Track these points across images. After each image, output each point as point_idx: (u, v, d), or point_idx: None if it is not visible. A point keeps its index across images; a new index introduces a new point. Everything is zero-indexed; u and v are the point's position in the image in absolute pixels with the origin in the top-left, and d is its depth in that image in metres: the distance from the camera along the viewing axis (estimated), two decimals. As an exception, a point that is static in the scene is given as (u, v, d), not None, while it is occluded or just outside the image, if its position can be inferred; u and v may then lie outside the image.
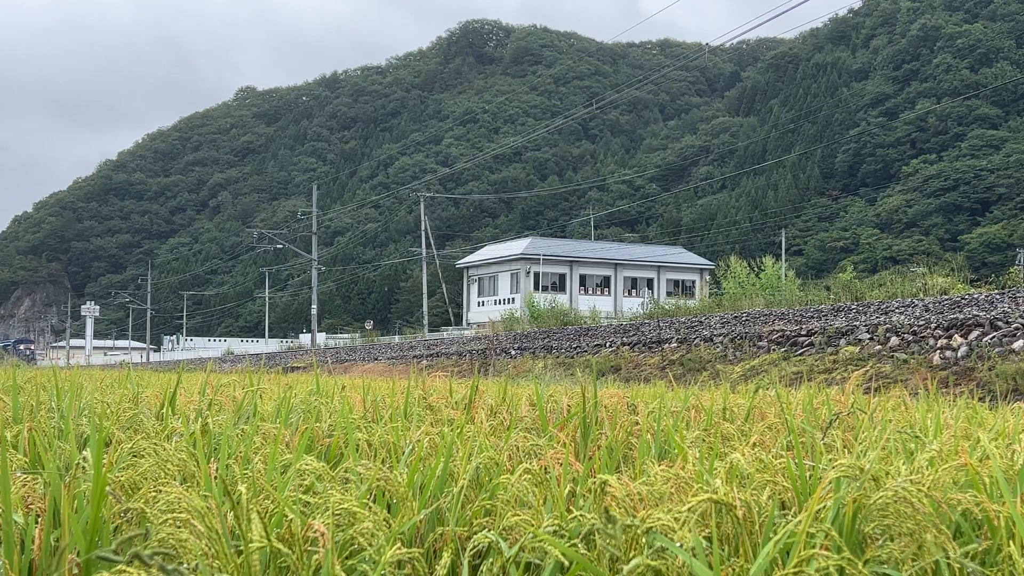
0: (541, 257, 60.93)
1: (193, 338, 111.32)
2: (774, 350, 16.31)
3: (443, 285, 64.65)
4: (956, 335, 12.82)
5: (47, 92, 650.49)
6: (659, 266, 65.67)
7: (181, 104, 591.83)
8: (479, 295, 65.92)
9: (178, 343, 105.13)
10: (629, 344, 20.96)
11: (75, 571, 1.60)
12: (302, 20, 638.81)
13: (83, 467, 2.05)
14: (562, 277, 62.94)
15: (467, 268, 68.19)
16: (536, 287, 59.47)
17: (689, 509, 1.63)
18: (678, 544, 1.55)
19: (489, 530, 1.77)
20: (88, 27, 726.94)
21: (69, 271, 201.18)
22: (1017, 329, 12.03)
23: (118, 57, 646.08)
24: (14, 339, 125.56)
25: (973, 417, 3.64)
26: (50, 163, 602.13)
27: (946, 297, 16.36)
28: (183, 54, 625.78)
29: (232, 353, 62.81)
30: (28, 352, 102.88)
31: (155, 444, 2.33)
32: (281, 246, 64.49)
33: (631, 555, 1.63)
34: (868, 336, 14.52)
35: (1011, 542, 1.60)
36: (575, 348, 22.73)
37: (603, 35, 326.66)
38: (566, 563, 1.60)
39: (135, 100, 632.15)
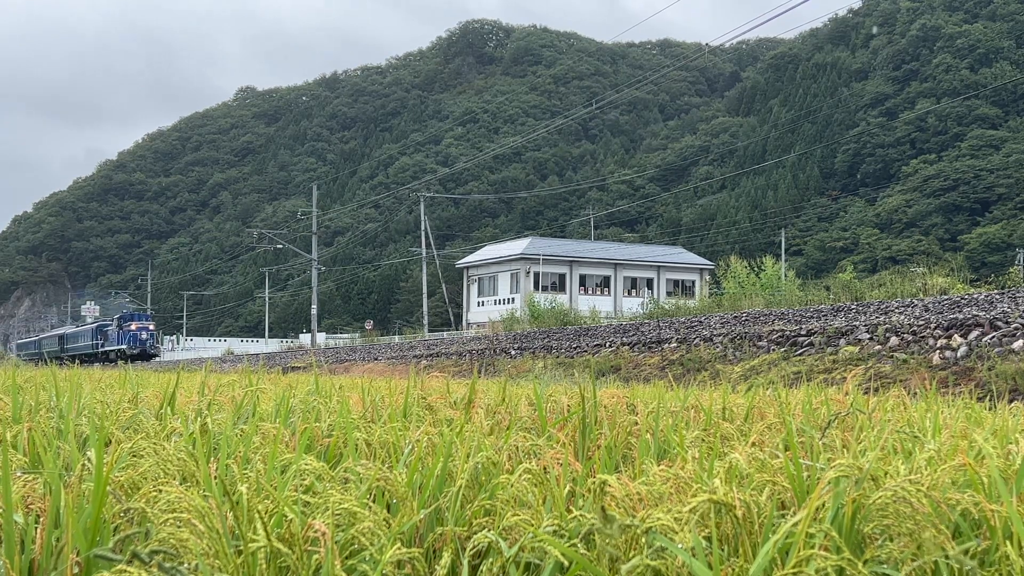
0: (541, 257, 60.93)
1: (193, 338, 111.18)
2: (774, 350, 16.31)
3: (443, 285, 64.68)
4: (956, 335, 12.82)
5: (26, 89, 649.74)
6: (659, 266, 65.67)
7: (164, 101, 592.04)
8: (479, 295, 65.91)
9: (178, 343, 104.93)
10: (629, 344, 20.95)
11: (76, 570, 1.61)
12: (285, 18, 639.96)
13: (85, 467, 2.05)
14: (562, 277, 62.93)
15: (467, 268, 68.19)
16: (536, 287, 59.46)
17: (690, 510, 1.63)
18: (678, 544, 1.55)
19: (489, 530, 1.78)
20: (64, 23, 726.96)
21: (69, 271, 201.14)
22: (1017, 329, 12.03)
23: (96, 53, 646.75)
24: (118, 314, 65.26)
25: (972, 417, 3.64)
26: (38, 161, 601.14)
27: (946, 297, 16.37)
28: (163, 50, 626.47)
29: (232, 353, 62.67)
30: (147, 336, 59.43)
31: (155, 444, 2.33)
32: (281, 246, 64.48)
33: (631, 555, 1.63)
34: (868, 336, 14.52)
35: (1008, 542, 1.60)
36: (575, 348, 22.72)
37: (602, 35, 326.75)
38: (566, 563, 1.60)
39: (117, 96, 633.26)
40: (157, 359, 57.17)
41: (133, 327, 59.28)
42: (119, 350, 57.26)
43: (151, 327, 61.03)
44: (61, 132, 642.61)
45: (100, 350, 60.99)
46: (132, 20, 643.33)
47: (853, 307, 17.73)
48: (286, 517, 1.68)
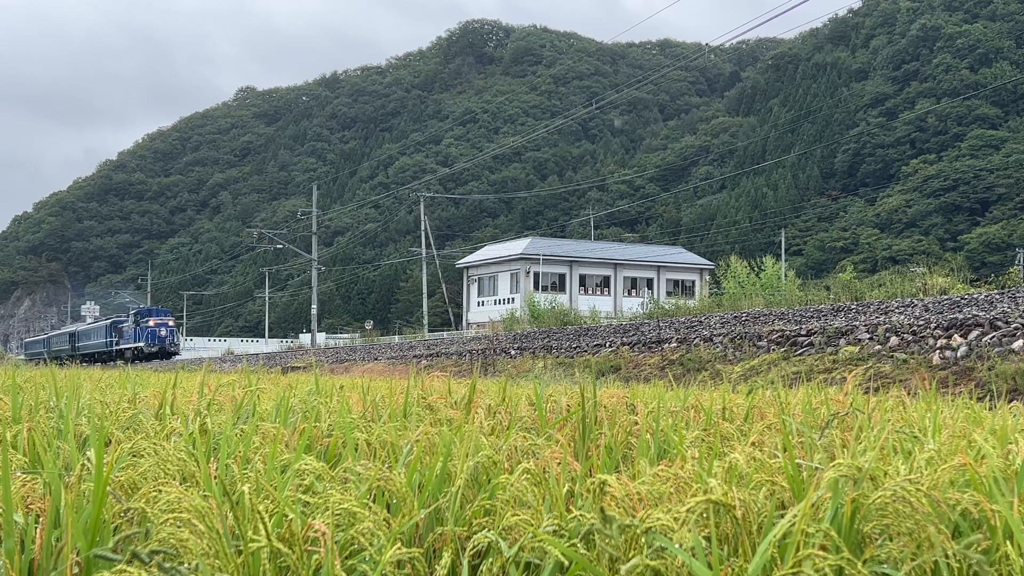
0: (541, 257, 60.94)
1: (193, 338, 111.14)
2: (774, 350, 16.31)
3: (443, 285, 64.66)
4: (956, 335, 12.82)
5: (26, 89, 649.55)
6: (659, 266, 65.67)
7: (164, 101, 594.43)
8: (479, 295, 65.91)
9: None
10: (629, 344, 20.95)
11: (76, 570, 1.61)
12: (284, 18, 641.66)
13: (85, 467, 2.05)
14: (562, 277, 62.94)
15: (467, 268, 68.19)
16: (536, 287, 59.46)
17: (687, 510, 1.63)
18: (677, 544, 1.55)
19: (489, 530, 1.78)
20: (64, 23, 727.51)
21: (69, 271, 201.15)
22: (1017, 329, 12.03)
23: (96, 53, 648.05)
24: (135, 309, 60.89)
25: (972, 417, 3.64)
26: (38, 161, 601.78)
27: (946, 297, 16.37)
28: (163, 50, 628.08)
29: (232, 353, 62.46)
30: (167, 333, 55.43)
31: (155, 444, 2.34)
32: (281, 246, 64.45)
33: (630, 555, 1.63)
34: (868, 336, 14.52)
35: (1008, 541, 1.60)
36: (575, 348, 22.72)
37: (602, 35, 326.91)
38: (565, 563, 1.60)
39: (117, 96, 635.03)
40: (177, 357, 54.06)
41: (151, 323, 55.22)
42: (136, 348, 54.13)
43: (171, 323, 57.17)
44: (61, 132, 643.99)
45: (115, 348, 57.50)
46: (132, 20, 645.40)
47: (853, 307, 17.73)
48: (286, 517, 1.68)
